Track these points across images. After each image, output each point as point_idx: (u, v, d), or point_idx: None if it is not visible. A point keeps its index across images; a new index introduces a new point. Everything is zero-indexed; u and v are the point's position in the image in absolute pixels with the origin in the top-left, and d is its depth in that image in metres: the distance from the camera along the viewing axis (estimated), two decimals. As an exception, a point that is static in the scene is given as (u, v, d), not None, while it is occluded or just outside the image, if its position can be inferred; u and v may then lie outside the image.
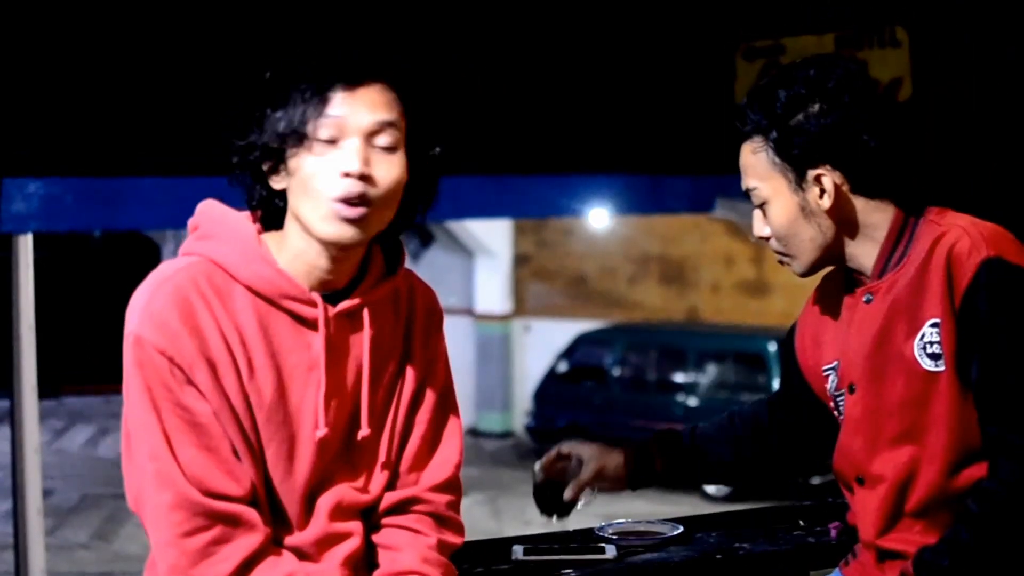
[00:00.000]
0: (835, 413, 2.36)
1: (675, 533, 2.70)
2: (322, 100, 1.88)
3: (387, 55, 1.95)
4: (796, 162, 2.19)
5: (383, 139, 1.91)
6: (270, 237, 1.98)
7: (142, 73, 3.98)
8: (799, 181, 2.20)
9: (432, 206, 2.06)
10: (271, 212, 1.98)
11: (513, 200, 6.11)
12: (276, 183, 1.94)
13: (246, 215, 1.99)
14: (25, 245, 4.67)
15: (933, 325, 2.16)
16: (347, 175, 1.87)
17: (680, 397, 13.65)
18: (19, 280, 4.72)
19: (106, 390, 17.31)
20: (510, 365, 16.63)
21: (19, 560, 4.91)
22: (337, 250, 1.93)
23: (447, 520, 2.09)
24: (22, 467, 4.90)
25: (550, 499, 2.61)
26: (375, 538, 2.06)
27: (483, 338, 16.38)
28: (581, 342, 14.62)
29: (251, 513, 1.90)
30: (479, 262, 16.54)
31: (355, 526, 2.03)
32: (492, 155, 4.63)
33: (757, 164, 2.22)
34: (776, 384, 12.77)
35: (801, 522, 2.84)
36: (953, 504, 2.17)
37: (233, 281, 1.91)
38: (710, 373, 13.64)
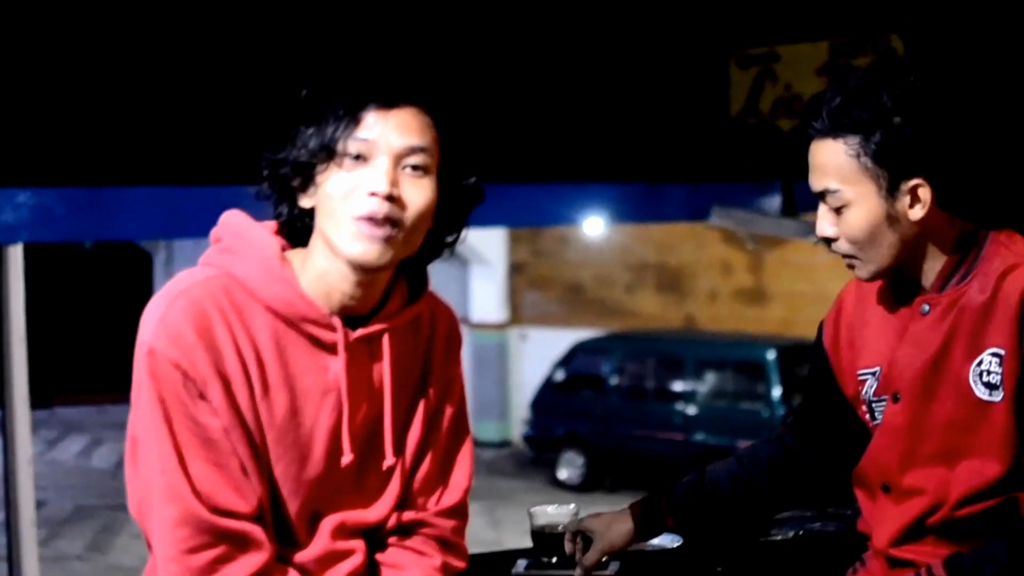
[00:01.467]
0: (866, 417, 2.32)
1: (675, 545, 2.67)
2: (355, 120, 1.85)
3: (424, 78, 1.92)
4: (895, 169, 2.12)
5: (413, 161, 1.87)
6: (295, 255, 1.94)
7: (132, 82, 3.96)
8: (892, 189, 2.12)
9: (461, 238, 2.02)
10: (296, 230, 1.95)
11: (508, 209, 6.10)
12: (304, 201, 1.90)
13: (270, 229, 1.96)
14: (15, 256, 4.66)
15: (994, 354, 2.12)
16: (373, 194, 1.84)
17: (679, 406, 13.62)
18: (9, 291, 4.71)
19: (98, 400, 17.31)
20: (507, 374, 16.63)
21: (12, 571, 4.89)
22: (362, 273, 1.89)
23: (452, 545, 2.07)
24: (15, 478, 4.89)
25: (548, 543, 2.59)
26: (379, 557, 2.04)
27: (479, 347, 16.36)
28: (578, 351, 14.59)
29: (257, 531, 1.87)
30: (474, 271, 16.53)
31: (358, 544, 2.00)
32: (487, 164, 4.61)
33: (844, 165, 2.13)
34: (776, 392, 12.67)
35: (801, 532, 2.81)
36: (978, 526, 2.14)
37: (252, 299, 1.88)
38: (709, 382, 13.61)
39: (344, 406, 1.92)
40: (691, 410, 13.52)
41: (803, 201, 6.57)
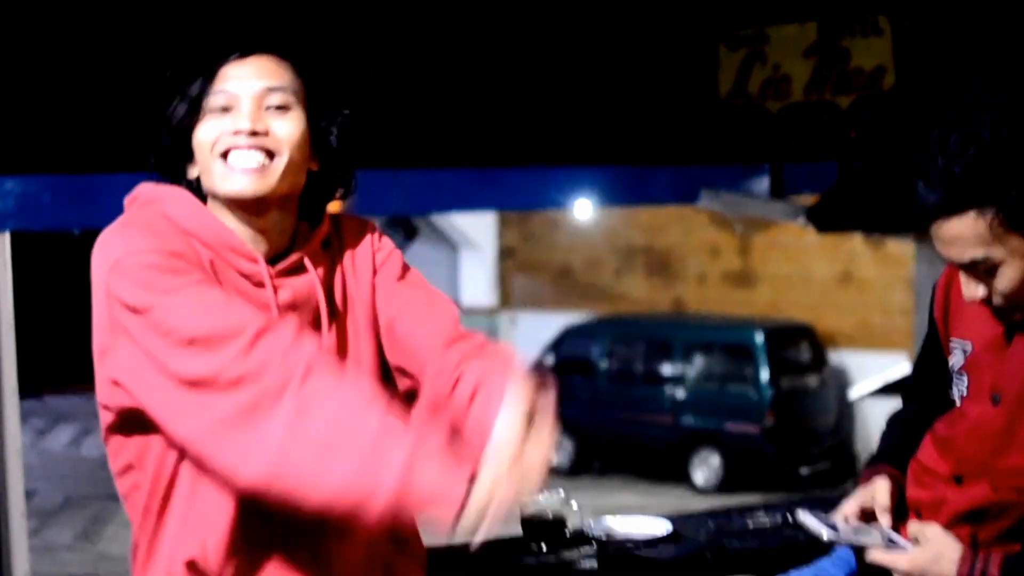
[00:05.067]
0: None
1: (664, 531, 2.67)
2: (215, 73, 1.97)
3: (275, 28, 2.10)
4: None
5: (273, 99, 1.97)
6: None
7: (118, 67, 3.94)
8: None
9: (350, 181, 2.09)
10: None
11: (497, 192, 6.08)
12: (192, 171, 2.00)
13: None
14: (2, 244, 4.63)
15: None
16: (237, 132, 1.93)
17: (668, 389, 13.65)
18: (-3, 280, 4.67)
19: (88, 389, 17.16)
20: (496, 359, 16.59)
21: (2, 563, 4.88)
22: (248, 214, 1.96)
23: (480, 348, 2.00)
24: (4, 469, 4.87)
25: (537, 530, 2.60)
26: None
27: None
28: (568, 335, 14.60)
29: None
30: (464, 255, 16.52)
31: None
32: (476, 147, 4.61)
33: (984, 233, 2.06)
34: (764, 374, 12.65)
35: (789, 517, 2.81)
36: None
37: (182, 232, 1.94)
38: (697, 365, 13.63)
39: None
40: (680, 393, 13.54)
41: (791, 183, 6.57)
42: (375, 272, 2.09)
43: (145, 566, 1.96)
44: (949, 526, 2.20)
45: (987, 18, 4.23)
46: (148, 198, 1.99)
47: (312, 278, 2.01)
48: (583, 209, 10.87)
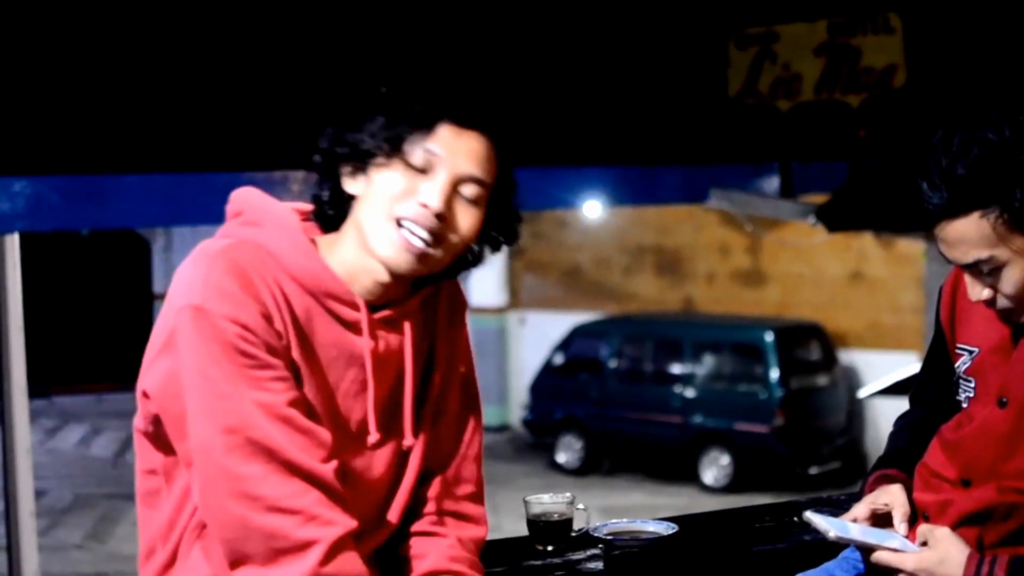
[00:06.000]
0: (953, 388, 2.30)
1: (670, 533, 2.66)
2: (428, 128, 1.86)
3: (501, 108, 1.93)
4: None
5: (470, 192, 1.88)
6: (322, 240, 1.94)
7: (126, 70, 3.95)
8: None
9: (475, 265, 2.03)
10: (327, 216, 1.95)
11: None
12: (351, 187, 1.90)
13: (289, 207, 1.95)
14: (12, 245, 4.65)
15: None
16: (424, 206, 1.84)
17: (677, 388, 13.63)
18: (6, 280, 4.69)
19: (97, 389, 17.26)
20: (506, 358, 16.62)
21: (12, 561, 4.89)
22: (389, 275, 1.90)
23: (465, 516, 2.10)
24: (13, 469, 4.88)
25: (543, 531, 2.60)
26: (399, 551, 2.04)
27: (478, 331, 16.33)
28: (577, 334, 14.58)
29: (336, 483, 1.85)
30: (473, 255, 16.51)
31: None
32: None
33: (989, 233, 2.05)
34: (773, 374, 12.58)
35: (796, 519, 2.80)
36: None
37: (280, 268, 1.86)
38: (707, 364, 13.61)
39: (369, 384, 1.91)
40: (689, 393, 13.52)
41: (801, 182, 6.56)
42: (457, 353, 2.10)
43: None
44: (955, 528, 2.19)
45: (999, 13, 4.22)
46: (251, 218, 1.91)
47: (406, 337, 1.96)
48: (593, 209, 10.87)
